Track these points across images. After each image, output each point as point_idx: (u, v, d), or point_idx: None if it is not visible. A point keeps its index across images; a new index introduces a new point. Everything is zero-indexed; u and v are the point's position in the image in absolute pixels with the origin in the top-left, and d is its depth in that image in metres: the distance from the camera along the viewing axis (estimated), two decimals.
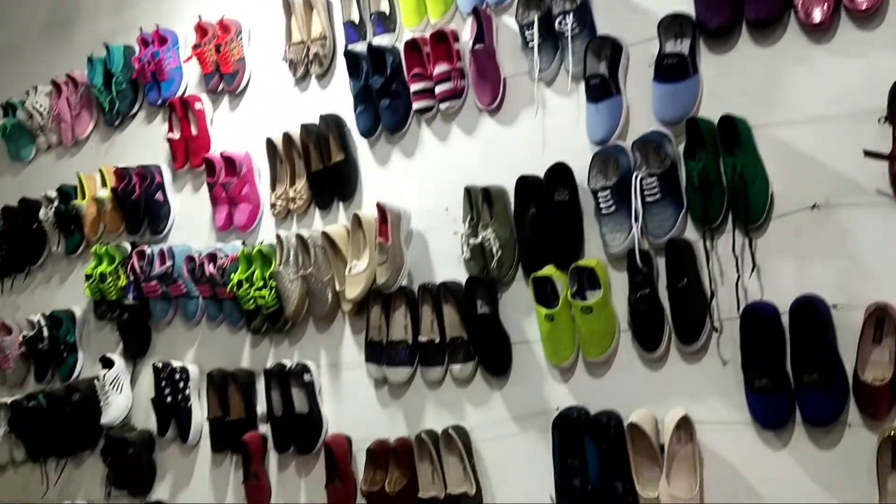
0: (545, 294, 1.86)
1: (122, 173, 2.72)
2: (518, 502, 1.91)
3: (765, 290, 1.60)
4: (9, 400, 2.88)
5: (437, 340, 2.03)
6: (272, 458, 2.34)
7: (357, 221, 2.16)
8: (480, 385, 2.00)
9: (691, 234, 1.71)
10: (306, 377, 2.24)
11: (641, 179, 1.70)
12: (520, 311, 1.95)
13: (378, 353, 2.12)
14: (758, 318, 1.57)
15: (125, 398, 2.65)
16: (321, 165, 2.30)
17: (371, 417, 2.16)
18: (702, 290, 1.68)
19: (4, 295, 3.17)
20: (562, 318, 1.82)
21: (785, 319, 1.55)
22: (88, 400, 2.68)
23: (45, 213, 2.97)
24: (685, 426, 1.66)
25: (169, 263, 2.51)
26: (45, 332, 2.86)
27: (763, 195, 1.60)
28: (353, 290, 2.14)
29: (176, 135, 2.65)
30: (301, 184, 2.36)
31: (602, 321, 1.78)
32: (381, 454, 2.06)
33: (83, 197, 2.86)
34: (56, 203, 2.93)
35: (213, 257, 2.41)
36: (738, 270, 1.61)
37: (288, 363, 2.28)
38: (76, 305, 2.90)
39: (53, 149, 3.13)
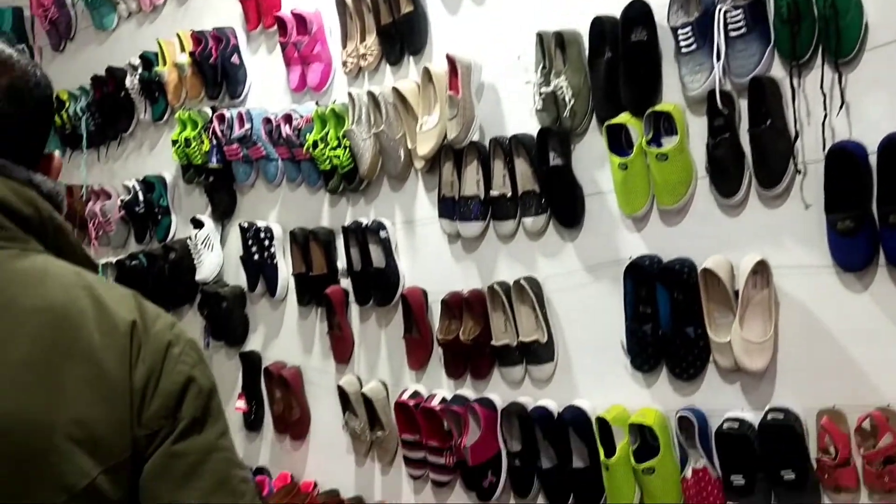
0: (619, 142, 1.80)
1: (198, 37, 2.75)
2: (588, 349, 1.94)
3: (853, 129, 1.50)
4: (113, 260, 3.08)
5: (509, 194, 2.02)
6: (353, 310, 2.43)
7: (427, 75, 2.12)
8: (552, 237, 1.99)
9: (777, 71, 1.60)
10: (382, 234, 2.28)
11: (726, 12, 1.59)
12: (593, 162, 1.90)
13: (451, 208, 2.13)
14: (844, 157, 1.48)
15: (216, 256, 2.79)
16: (391, 18, 2.25)
17: (445, 271, 2.20)
18: (786, 131, 1.58)
19: (101, 162, 3.33)
20: (636, 167, 1.77)
21: (873, 160, 1.46)
22: (184, 258, 2.84)
23: (130, 81, 3.05)
24: (762, 271, 1.62)
25: (247, 126, 2.56)
26: (141, 197, 3.01)
27: (856, 26, 1.47)
28: (425, 147, 2.13)
29: None
30: (371, 39, 2.33)
31: (678, 168, 1.72)
32: (455, 305, 2.11)
33: (164, 63, 2.92)
34: (140, 70, 3.00)
35: (288, 118, 2.44)
36: (825, 109, 1.51)
37: (365, 221, 2.33)
38: (166, 170, 3.02)
39: (134, 15, 3.18)
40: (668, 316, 1.74)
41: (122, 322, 0.80)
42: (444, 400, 2.14)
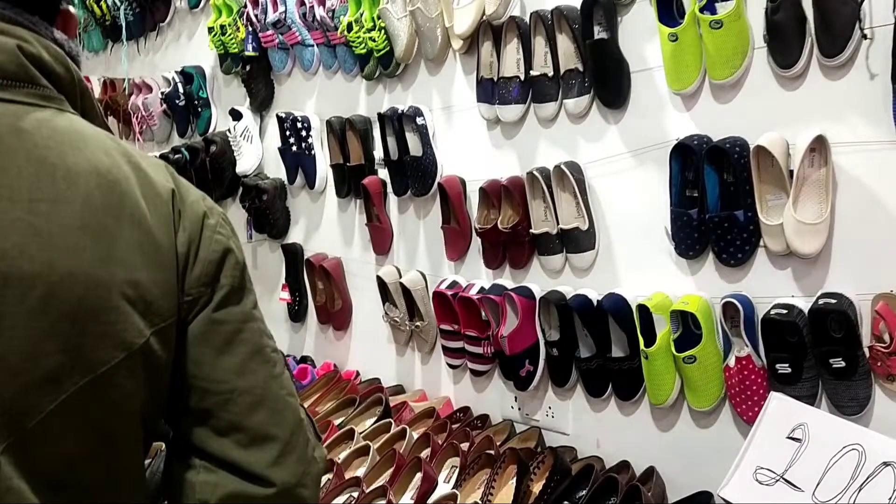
0: (670, 11, 1.67)
1: None
2: (631, 236, 1.86)
3: None
4: (157, 154, 3.08)
5: (551, 74, 1.91)
6: (392, 201, 2.39)
7: None
8: (595, 119, 1.88)
9: None
10: (419, 120, 2.20)
11: None
12: (640, 35, 1.77)
13: (489, 91, 2.03)
14: None
15: (256, 148, 2.76)
16: None
17: (484, 158, 2.12)
18: None
19: (141, 55, 3.29)
20: (687, 37, 1.63)
21: None
22: (225, 151, 2.82)
23: None
24: (820, 148, 1.50)
25: (281, 10, 2.47)
26: (181, 89, 2.98)
27: None
28: (463, 24, 2.02)
29: None
30: None
31: (733, 37, 1.58)
32: (493, 193, 2.04)
33: None
34: None
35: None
36: None
37: (402, 107, 2.24)
38: (204, 61, 2.97)
39: None
40: (717, 199, 1.65)
41: (163, 189, 0.80)
42: (482, 290, 2.10)
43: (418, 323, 2.29)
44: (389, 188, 2.35)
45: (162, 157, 3.01)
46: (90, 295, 0.72)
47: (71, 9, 0.86)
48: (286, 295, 2.70)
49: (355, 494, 1.67)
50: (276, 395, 0.83)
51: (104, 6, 3.30)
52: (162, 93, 3.04)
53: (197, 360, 0.80)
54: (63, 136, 0.75)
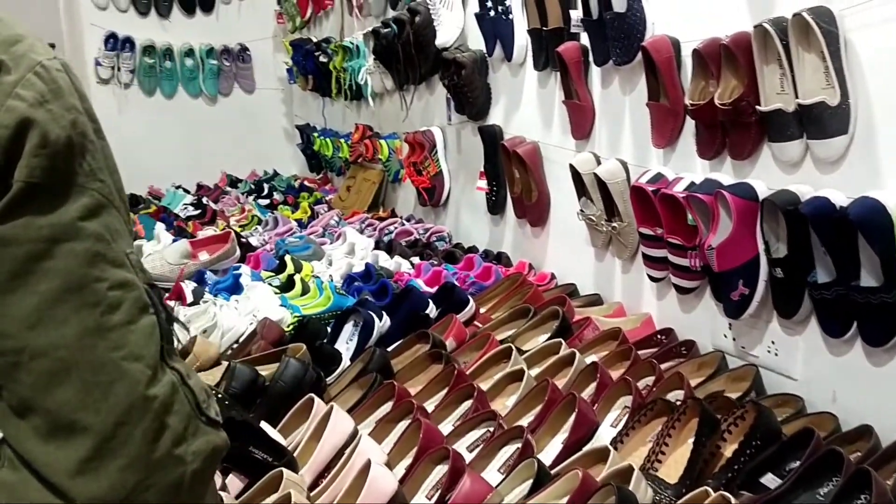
0: None
1: None
2: None
3: None
4: (371, 28, 2.91)
5: None
6: (594, 73, 1.95)
7: None
8: None
9: None
10: None
11: None
12: None
13: None
14: None
15: (456, 16, 2.45)
16: None
17: (704, 10, 1.61)
18: None
19: None
20: None
21: None
22: (430, 21, 2.55)
23: None
24: None
25: None
26: None
27: None
28: None
29: None
30: None
31: None
32: (711, 56, 1.53)
33: None
34: None
35: None
36: None
37: None
38: None
39: None
40: None
41: None
42: (691, 185, 1.64)
43: (615, 224, 1.89)
44: (590, 56, 1.92)
45: (373, 31, 2.84)
46: None
47: None
48: (483, 184, 2.42)
49: (492, 429, 1.40)
50: (97, 359, 0.55)
51: None
52: None
53: None
54: None
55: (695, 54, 1.58)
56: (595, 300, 2.04)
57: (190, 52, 3.93)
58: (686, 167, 1.72)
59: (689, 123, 1.68)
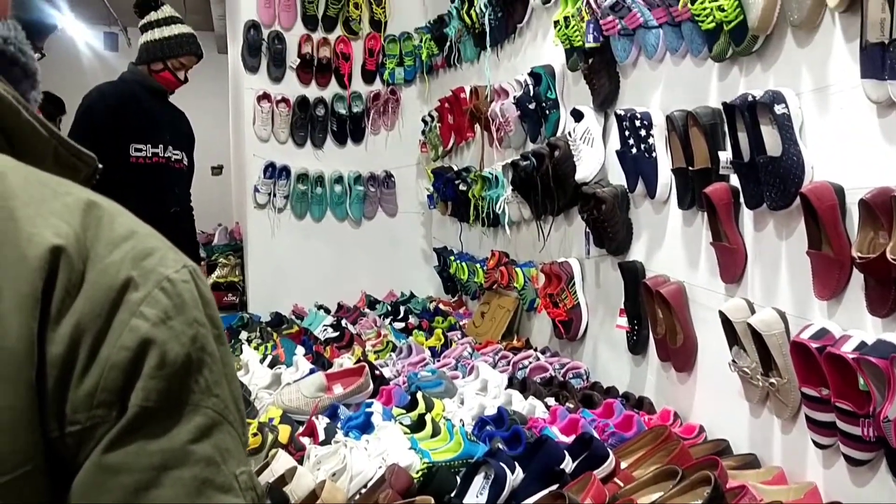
0: None
1: None
2: None
3: None
4: (510, 160, 2.95)
5: None
6: (745, 215, 1.85)
7: None
8: None
9: None
10: (778, 109, 1.64)
11: None
12: None
13: (879, 61, 1.40)
14: None
15: (597, 152, 2.43)
16: None
17: (869, 158, 1.49)
18: None
19: (502, 59, 3.19)
20: None
21: None
22: (568, 155, 2.54)
23: None
24: None
25: None
26: (531, 91, 2.78)
27: None
28: None
29: None
30: None
31: None
32: (881, 207, 1.40)
33: None
34: None
35: None
36: None
37: (757, 93, 1.70)
38: (555, 60, 2.73)
39: None
40: None
41: (35, 248, 0.51)
42: (862, 345, 1.47)
43: (774, 380, 1.72)
44: (741, 198, 1.82)
45: (512, 163, 2.87)
46: None
47: None
48: (624, 321, 2.31)
49: None
50: None
51: (474, 14, 3.28)
52: (515, 97, 2.89)
53: None
54: None
55: (862, 204, 1.45)
56: (751, 462, 1.85)
57: (339, 179, 4.14)
58: (854, 323, 1.55)
59: (857, 275, 1.53)
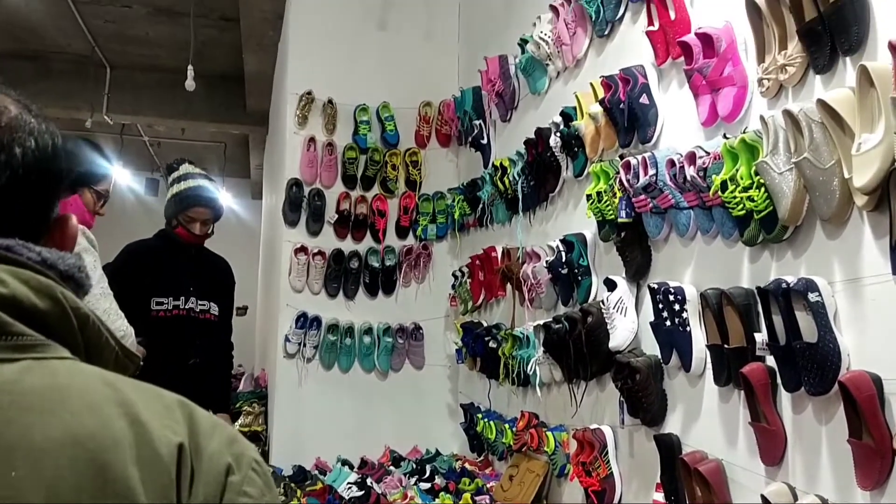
0: None
1: (608, 83, 2.55)
2: None
3: None
4: (542, 322, 3.00)
5: None
6: (784, 397, 1.87)
7: (866, 76, 1.53)
8: None
9: None
10: (813, 297, 1.70)
11: None
12: None
13: None
14: None
15: (630, 322, 2.48)
16: (816, 13, 1.71)
17: None
18: None
19: (534, 224, 3.32)
20: None
21: None
22: (601, 322, 2.60)
23: (553, 140, 2.98)
24: None
25: (651, 172, 2.23)
26: (563, 257, 2.88)
27: None
28: (863, 175, 1.53)
29: (654, 26, 2.35)
30: (793, 45, 1.81)
31: None
32: None
33: (581, 116, 2.78)
34: (560, 127, 2.91)
35: (692, 158, 2.04)
36: None
37: (790, 280, 1.77)
38: (587, 228, 2.85)
39: (561, 74, 3.15)
40: None
41: (166, 447, 0.62)
42: None
43: None
44: (779, 380, 1.84)
45: (545, 325, 2.93)
46: None
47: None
48: (660, 497, 2.27)
49: None
50: None
51: (507, 181, 3.46)
52: (547, 261, 2.99)
53: None
54: (32, 398, 0.59)
55: None
56: None
57: (369, 331, 4.20)
58: None
59: None
